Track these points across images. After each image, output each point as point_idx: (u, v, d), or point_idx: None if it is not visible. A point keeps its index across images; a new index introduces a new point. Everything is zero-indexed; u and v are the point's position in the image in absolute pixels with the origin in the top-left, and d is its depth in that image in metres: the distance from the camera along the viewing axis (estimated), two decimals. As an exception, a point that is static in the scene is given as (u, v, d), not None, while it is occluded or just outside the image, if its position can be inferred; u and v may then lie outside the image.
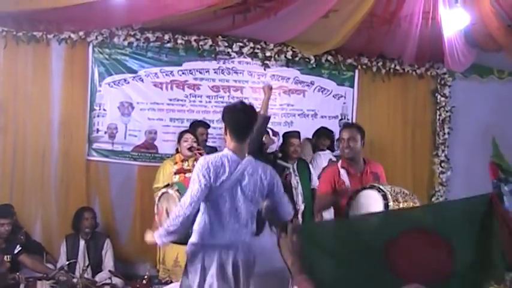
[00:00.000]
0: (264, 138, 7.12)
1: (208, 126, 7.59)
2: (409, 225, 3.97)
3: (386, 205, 4.70)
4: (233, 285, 4.25)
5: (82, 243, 7.09)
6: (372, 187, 4.97)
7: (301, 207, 7.13)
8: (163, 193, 4.79)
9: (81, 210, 7.22)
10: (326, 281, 3.50)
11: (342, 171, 5.39)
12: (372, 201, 4.84)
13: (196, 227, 4.24)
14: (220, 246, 4.24)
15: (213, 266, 4.21)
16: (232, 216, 4.22)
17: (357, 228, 3.85)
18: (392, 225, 3.96)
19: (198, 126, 7.41)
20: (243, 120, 4.28)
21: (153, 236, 4.22)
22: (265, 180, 4.31)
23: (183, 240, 4.41)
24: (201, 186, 4.07)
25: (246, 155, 4.33)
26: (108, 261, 7.24)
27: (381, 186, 4.91)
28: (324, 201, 5.55)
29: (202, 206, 4.21)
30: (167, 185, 4.92)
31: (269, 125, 7.62)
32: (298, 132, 7.60)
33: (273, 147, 7.64)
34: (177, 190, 4.62)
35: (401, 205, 4.72)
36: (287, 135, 7.49)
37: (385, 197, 4.75)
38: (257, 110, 4.56)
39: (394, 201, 4.73)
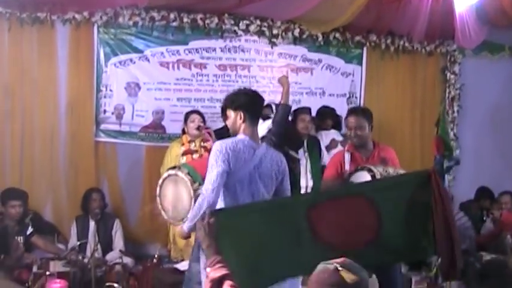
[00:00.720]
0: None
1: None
2: (334, 194, 4.18)
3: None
4: None
5: (92, 224, 7.06)
6: (363, 168, 4.95)
7: (310, 183, 7.10)
8: (169, 175, 4.62)
9: (89, 192, 7.20)
10: (242, 261, 3.59)
11: (347, 156, 5.36)
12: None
13: None
14: None
15: None
16: (244, 200, 4.20)
17: (276, 205, 4.02)
18: (315, 195, 4.00)
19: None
20: (259, 106, 4.34)
21: (182, 229, 4.21)
22: (280, 167, 4.35)
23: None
24: (221, 172, 4.03)
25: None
26: (118, 242, 7.24)
27: (372, 167, 4.87)
28: (326, 186, 5.55)
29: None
30: (174, 167, 4.76)
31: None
32: (309, 109, 7.56)
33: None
34: (188, 173, 4.49)
35: None
36: (297, 112, 7.44)
37: (374, 177, 4.73)
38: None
39: None
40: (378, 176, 4.73)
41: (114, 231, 7.24)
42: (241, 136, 4.25)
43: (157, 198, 4.67)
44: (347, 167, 5.26)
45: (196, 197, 4.27)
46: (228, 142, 4.18)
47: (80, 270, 6.53)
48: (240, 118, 4.25)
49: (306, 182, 7.13)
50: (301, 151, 7.17)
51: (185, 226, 4.13)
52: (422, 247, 4.11)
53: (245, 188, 4.19)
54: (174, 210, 4.50)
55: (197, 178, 4.41)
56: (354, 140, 5.35)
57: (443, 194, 4.01)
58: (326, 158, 7.33)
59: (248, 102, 4.26)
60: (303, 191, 6.79)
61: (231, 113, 4.30)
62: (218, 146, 4.14)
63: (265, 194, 4.28)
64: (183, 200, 4.41)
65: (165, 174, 4.67)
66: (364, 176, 4.86)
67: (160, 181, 4.67)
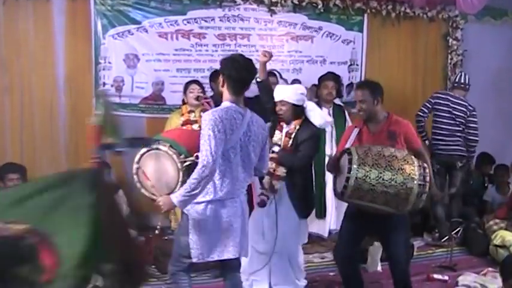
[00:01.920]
0: None
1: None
2: None
3: (349, 169, 4.73)
4: (241, 236, 4.36)
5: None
6: (345, 150, 4.96)
7: (335, 150, 6.96)
8: (148, 150, 4.48)
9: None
10: None
11: (353, 132, 5.32)
12: (345, 164, 4.82)
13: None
14: (228, 199, 4.28)
15: (224, 221, 4.26)
16: (241, 166, 4.28)
17: None
18: None
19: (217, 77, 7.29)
20: (246, 74, 4.30)
21: (170, 201, 4.17)
22: (265, 132, 4.47)
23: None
24: (218, 141, 4.04)
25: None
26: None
27: (351, 149, 4.88)
28: (330, 161, 5.55)
29: None
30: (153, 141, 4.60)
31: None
32: (333, 74, 7.56)
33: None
34: (171, 146, 4.43)
35: (367, 169, 4.71)
36: (321, 79, 7.47)
37: (350, 161, 4.75)
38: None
39: (359, 164, 4.72)
40: (354, 159, 4.74)
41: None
42: (227, 103, 4.27)
43: (135, 176, 4.59)
44: (348, 144, 5.21)
45: (184, 169, 4.28)
46: (218, 111, 4.20)
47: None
48: (223, 84, 4.28)
49: (330, 150, 7.19)
50: (328, 118, 7.08)
51: (176, 198, 4.10)
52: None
53: (238, 153, 4.24)
54: (157, 184, 4.44)
55: (181, 150, 4.39)
56: (360, 114, 5.30)
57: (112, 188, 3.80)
58: None
59: (233, 73, 4.25)
60: (327, 159, 6.73)
61: (220, 78, 4.33)
62: (211, 116, 4.13)
63: (254, 158, 4.36)
64: (168, 174, 4.37)
65: (143, 150, 4.51)
66: (345, 160, 4.88)
67: (137, 157, 4.54)
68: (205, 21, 8.00)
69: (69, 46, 7.58)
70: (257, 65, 4.84)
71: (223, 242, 4.28)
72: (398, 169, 4.74)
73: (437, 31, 9.01)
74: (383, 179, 4.72)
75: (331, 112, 7.36)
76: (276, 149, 5.46)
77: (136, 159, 4.54)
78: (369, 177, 4.73)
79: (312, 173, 5.85)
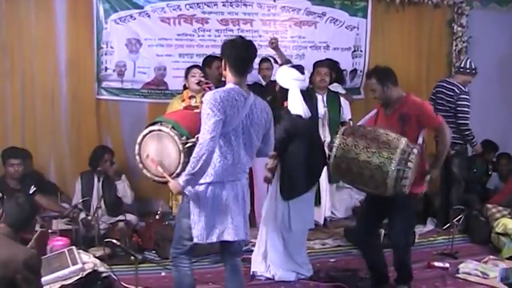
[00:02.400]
0: None
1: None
2: None
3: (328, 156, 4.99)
4: (241, 219, 4.34)
5: (97, 181, 7.07)
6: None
7: (327, 138, 7.06)
8: (151, 131, 4.48)
9: (101, 151, 7.11)
10: None
11: (372, 112, 5.50)
12: None
13: None
14: (229, 181, 4.27)
15: (224, 203, 4.25)
16: (243, 149, 4.27)
17: None
18: None
19: (213, 61, 7.28)
20: (245, 53, 4.29)
21: (177, 183, 4.14)
22: (269, 115, 4.42)
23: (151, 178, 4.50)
24: (218, 120, 4.03)
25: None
26: (126, 194, 7.14)
27: (337, 134, 5.03)
28: None
29: None
30: (154, 123, 4.58)
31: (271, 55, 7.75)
32: (330, 61, 7.56)
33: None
34: (173, 127, 4.42)
35: (347, 148, 4.89)
36: (315, 65, 7.45)
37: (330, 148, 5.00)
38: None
39: (340, 143, 4.93)
40: (334, 144, 4.96)
41: (122, 186, 7.14)
42: (230, 85, 4.25)
43: (137, 157, 4.57)
44: (362, 122, 5.38)
45: (185, 150, 4.26)
46: (220, 92, 4.19)
47: (85, 227, 6.62)
48: (226, 66, 4.28)
49: (323, 137, 7.03)
50: (320, 105, 7.14)
51: (181, 180, 4.09)
52: None
53: (239, 136, 4.22)
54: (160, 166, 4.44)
55: (183, 132, 4.37)
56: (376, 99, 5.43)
57: None
58: (346, 114, 7.48)
59: (233, 52, 4.25)
60: None
61: (223, 60, 4.32)
62: (212, 96, 4.12)
63: (256, 141, 4.35)
64: (170, 155, 4.36)
65: (145, 131, 4.53)
66: None
67: (139, 139, 4.54)
68: (208, 6, 7.98)
69: (71, 31, 7.58)
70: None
71: (222, 224, 4.27)
72: (376, 152, 4.79)
73: (442, 17, 8.96)
74: (358, 160, 4.82)
75: (324, 99, 7.31)
76: None
77: (138, 140, 4.54)
78: (346, 157, 4.88)
79: (295, 157, 5.74)
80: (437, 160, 5.42)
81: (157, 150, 4.44)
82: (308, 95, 5.80)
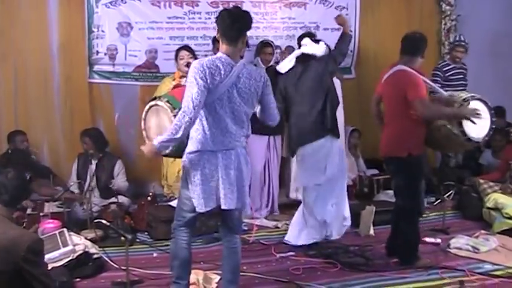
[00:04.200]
0: None
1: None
2: None
3: None
4: (237, 188, 4.34)
5: (93, 162, 7.13)
6: None
7: None
8: (151, 106, 4.68)
9: (80, 134, 7.20)
10: None
11: None
12: None
13: (194, 134, 4.24)
14: (220, 150, 4.28)
15: (216, 171, 4.26)
16: (230, 118, 4.26)
17: None
18: None
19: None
20: (236, 25, 4.27)
21: (152, 145, 4.18)
22: (259, 82, 4.37)
23: (177, 154, 4.47)
24: (200, 88, 4.05)
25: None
26: (122, 183, 7.23)
27: None
28: None
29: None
30: (154, 98, 4.78)
31: (271, 38, 7.87)
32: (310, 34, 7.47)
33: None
34: (168, 101, 4.54)
35: None
36: (299, 38, 7.31)
37: None
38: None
39: None
40: None
41: (116, 173, 7.24)
42: (219, 54, 4.27)
43: (144, 132, 4.75)
44: None
45: None
46: (205, 60, 4.22)
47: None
48: (218, 37, 4.31)
49: None
50: None
51: (157, 141, 4.12)
52: None
53: (225, 104, 4.22)
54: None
55: (177, 104, 4.43)
56: None
57: None
58: (338, 92, 7.38)
59: (224, 24, 4.27)
60: None
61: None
62: (196, 64, 4.17)
63: (247, 109, 4.33)
64: (166, 128, 4.39)
65: (146, 107, 4.73)
66: None
67: (143, 115, 4.74)
68: (198, -12, 8.02)
69: (63, 14, 7.63)
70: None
71: (217, 192, 4.29)
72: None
73: (431, -4, 8.98)
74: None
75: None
76: None
77: (143, 116, 4.73)
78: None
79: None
80: None
81: (156, 123, 4.58)
82: None
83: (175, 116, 4.29)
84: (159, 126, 4.58)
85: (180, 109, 4.17)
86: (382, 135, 5.64)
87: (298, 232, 6.19)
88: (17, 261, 3.60)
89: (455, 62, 7.95)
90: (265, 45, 7.47)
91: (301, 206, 6.27)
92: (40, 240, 3.85)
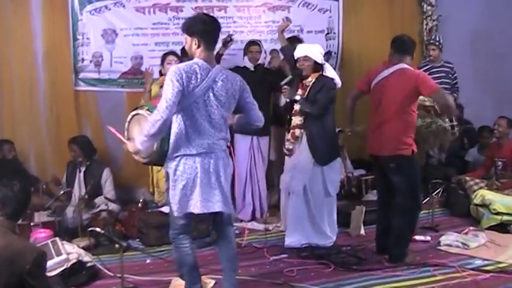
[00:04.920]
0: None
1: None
2: None
3: None
4: (218, 191, 4.38)
5: (81, 170, 7.08)
6: None
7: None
8: (133, 116, 4.72)
9: (68, 142, 7.18)
10: None
11: None
12: None
13: (173, 138, 4.31)
14: (199, 154, 4.31)
15: (196, 175, 4.30)
16: (207, 121, 4.32)
17: None
18: None
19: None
20: (214, 30, 4.39)
21: (134, 144, 4.29)
22: (236, 86, 4.45)
23: (158, 162, 4.59)
24: (175, 90, 4.12)
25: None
26: (109, 191, 7.19)
27: None
28: None
29: (176, 117, 4.28)
30: (135, 109, 4.82)
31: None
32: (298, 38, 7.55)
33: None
34: (148, 109, 4.58)
35: None
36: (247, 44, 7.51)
37: None
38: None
39: None
40: None
41: (104, 181, 7.21)
42: (195, 60, 4.33)
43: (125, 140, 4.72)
44: None
45: None
46: (182, 65, 4.28)
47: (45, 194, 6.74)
48: (195, 44, 4.32)
49: None
50: None
51: (138, 141, 4.23)
52: None
53: (201, 108, 4.28)
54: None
55: None
56: None
57: None
58: None
59: (203, 30, 4.32)
60: None
61: (186, 38, 4.39)
62: (173, 68, 4.24)
63: (224, 113, 4.40)
64: None
65: (128, 117, 4.77)
66: None
67: (126, 125, 4.77)
68: (182, -6, 8.05)
69: (47, 22, 7.63)
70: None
71: (195, 195, 4.32)
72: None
73: (412, -3, 9.07)
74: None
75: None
76: (298, 97, 6.05)
77: (126, 126, 4.75)
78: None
79: (330, 123, 6.19)
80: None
81: (139, 132, 4.53)
82: None
83: None
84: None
85: None
86: (376, 133, 5.69)
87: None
88: (21, 273, 3.58)
89: (432, 61, 8.05)
90: (251, 44, 7.48)
91: None
92: (44, 254, 3.82)
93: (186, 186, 4.30)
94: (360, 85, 5.91)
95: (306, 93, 6.06)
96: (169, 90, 4.12)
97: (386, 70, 5.62)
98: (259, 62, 7.45)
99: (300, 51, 6.15)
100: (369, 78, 5.76)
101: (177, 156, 4.30)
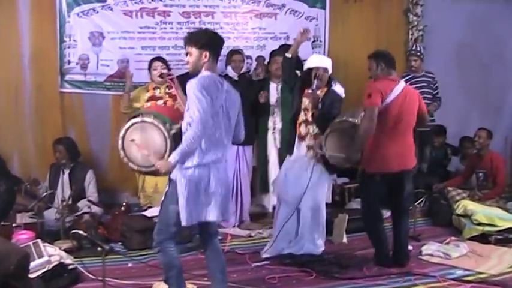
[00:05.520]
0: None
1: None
2: None
3: None
4: (229, 200, 4.60)
5: (65, 172, 7.06)
6: None
7: (278, 125, 7.38)
8: (133, 123, 4.67)
9: (54, 143, 7.20)
10: None
11: None
12: None
13: None
14: (213, 164, 4.39)
15: (209, 185, 4.38)
16: (224, 132, 4.43)
17: None
18: None
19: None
20: (221, 46, 4.56)
21: (168, 162, 4.25)
22: (237, 98, 4.58)
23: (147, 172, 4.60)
24: (207, 103, 4.19)
25: None
26: (92, 193, 7.23)
27: None
28: None
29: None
30: (136, 116, 4.79)
31: (241, 48, 7.89)
32: (285, 46, 7.44)
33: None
34: (155, 117, 4.60)
35: None
36: (272, 54, 7.53)
37: None
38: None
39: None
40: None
41: (87, 183, 7.23)
42: (207, 73, 4.39)
43: (121, 151, 4.73)
44: None
45: (171, 136, 4.48)
46: (203, 77, 4.33)
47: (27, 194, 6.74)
48: (206, 57, 4.39)
49: (273, 124, 7.49)
50: (274, 93, 7.41)
51: (174, 158, 4.20)
52: None
53: (219, 120, 4.37)
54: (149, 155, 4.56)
55: (165, 119, 4.59)
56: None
57: None
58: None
59: (213, 43, 4.44)
60: (269, 133, 7.50)
61: (193, 51, 4.42)
62: (197, 81, 4.27)
63: (232, 123, 4.51)
64: (155, 143, 4.56)
65: (127, 124, 4.72)
66: None
67: (121, 132, 4.72)
68: (170, -1, 8.06)
69: (34, 24, 7.60)
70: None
71: (209, 205, 4.40)
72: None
73: (398, 7, 9.12)
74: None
75: (278, 88, 7.36)
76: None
77: (121, 134, 4.68)
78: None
79: None
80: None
81: (142, 140, 4.59)
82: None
83: (168, 130, 4.35)
84: (146, 142, 4.61)
85: (170, 124, 4.27)
86: (399, 149, 5.69)
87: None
88: (5, 275, 3.56)
89: (414, 71, 8.14)
90: (234, 53, 7.50)
91: None
92: (28, 255, 3.81)
93: (200, 196, 4.34)
94: (378, 103, 5.54)
95: (320, 105, 6.02)
96: (203, 103, 4.17)
97: (398, 86, 5.65)
98: (243, 70, 7.50)
99: (319, 62, 6.18)
100: (382, 96, 5.57)
101: (193, 166, 4.32)
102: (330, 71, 6.14)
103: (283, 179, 6.24)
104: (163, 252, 4.51)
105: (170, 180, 4.42)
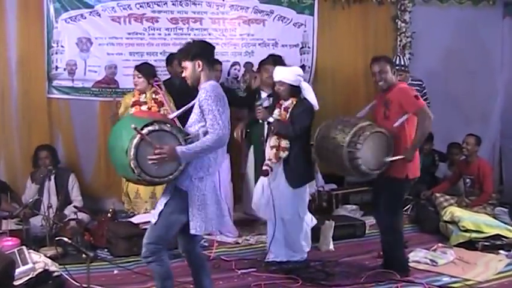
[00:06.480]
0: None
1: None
2: None
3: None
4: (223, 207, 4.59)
5: (51, 179, 7.01)
6: None
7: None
8: (150, 131, 4.17)
9: (37, 150, 7.20)
10: None
11: (372, 102, 5.99)
12: None
13: (199, 160, 4.32)
14: (213, 174, 4.45)
15: (215, 192, 4.46)
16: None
17: None
18: None
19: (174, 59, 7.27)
20: (212, 52, 4.62)
21: (174, 151, 4.15)
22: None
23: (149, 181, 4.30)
24: (226, 114, 4.32)
25: None
26: (76, 196, 7.25)
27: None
28: None
29: (204, 136, 4.28)
30: (149, 124, 4.23)
31: (230, 54, 8.11)
32: (274, 57, 7.27)
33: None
34: (170, 126, 4.34)
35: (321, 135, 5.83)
36: (261, 62, 7.39)
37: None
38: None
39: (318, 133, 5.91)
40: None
41: (71, 187, 7.25)
42: (211, 82, 4.42)
43: (132, 162, 4.12)
44: (360, 114, 5.91)
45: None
46: (212, 88, 4.34)
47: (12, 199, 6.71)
48: (199, 66, 4.40)
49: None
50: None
51: (181, 150, 4.16)
52: None
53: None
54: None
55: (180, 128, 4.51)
56: (379, 84, 5.67)
57: None
58: None
59: (203, 51, 4.46)
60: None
61: (187, 64, 4.44)
62: (213, 93, 4.29)
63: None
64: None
65: (144, 131, 4.16)
66: None
67: (136, 141, 4.13)
68: (158, 5, 8.02)
69: (21, 29, 7.56)
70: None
71: (216, 213, 4.44)
72: (332, 138, 5.49)
73: (386, 14, 9.14)
74: (329, 138, 5.60)
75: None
76: (271, 119, 5.98)
77: (135, 142, 4.12)
78: (321, 143, 5.74)
79: (306, 146, 6.07)
80: (412, 145, 5.58)
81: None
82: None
83: (185, 140, 4.28)
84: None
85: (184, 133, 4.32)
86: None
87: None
88: None
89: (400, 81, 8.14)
90: (215, 63, 7.42)
91: None
92: (13, 262, 3.81)
93: (211, 205, 4.38)
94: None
95: (288, 116, 5.95)
96: (222, 116, 4.25)
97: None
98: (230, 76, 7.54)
99: (275, 75, 6.08)
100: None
101: (203, 176, 4.35)
102: (290, 82, 5.95)
103: (260, 194, 6.22)
104: (159, 262, 4.40)
105: (176, 190, 4.35)
